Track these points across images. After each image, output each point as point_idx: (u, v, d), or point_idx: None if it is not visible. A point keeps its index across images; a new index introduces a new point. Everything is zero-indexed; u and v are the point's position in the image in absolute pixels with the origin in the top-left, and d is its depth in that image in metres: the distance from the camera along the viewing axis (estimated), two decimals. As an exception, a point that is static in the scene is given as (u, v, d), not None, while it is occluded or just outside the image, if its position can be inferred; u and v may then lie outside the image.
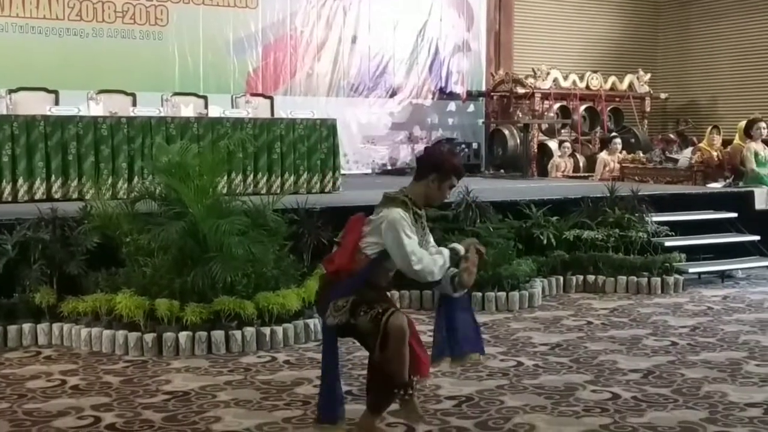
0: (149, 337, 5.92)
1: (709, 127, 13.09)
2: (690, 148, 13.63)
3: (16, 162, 8.50)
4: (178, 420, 4.52)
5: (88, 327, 6.11)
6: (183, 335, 5.91)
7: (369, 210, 7.22)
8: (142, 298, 6.02)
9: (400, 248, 3.98)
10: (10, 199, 8.40)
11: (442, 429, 4.39)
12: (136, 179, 8.78)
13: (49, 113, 8.87)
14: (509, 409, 4.71)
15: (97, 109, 9.36)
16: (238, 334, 6.00)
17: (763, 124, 11.44)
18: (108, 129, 8.86)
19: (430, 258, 4.06)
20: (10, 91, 9.61)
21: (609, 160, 14.06)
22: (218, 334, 5.96)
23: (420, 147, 15.60)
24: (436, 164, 4.15)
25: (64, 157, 8.68)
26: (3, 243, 6.38)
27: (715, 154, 12.51)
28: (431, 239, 4.28)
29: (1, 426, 4.44)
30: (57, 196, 8.52)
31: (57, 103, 9.70)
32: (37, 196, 8.44)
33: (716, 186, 11.41)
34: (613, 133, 15.32)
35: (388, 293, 4.39)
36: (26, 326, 6.23)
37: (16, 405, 4.80)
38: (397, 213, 4.01)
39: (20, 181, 8.49)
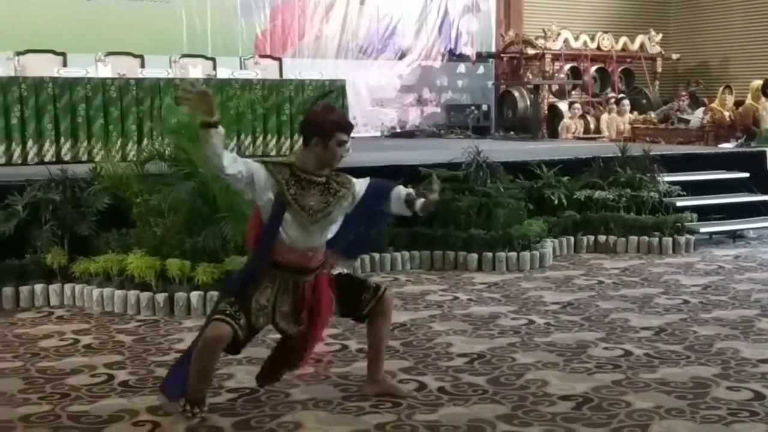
0: (161, 297, 5.94)
1: (721, 87, 13.00)
2: (701, 109, 13.54)
3: (25, 124, 8.49)
4: (190, 377, 4.53)
5: (100, 287, 6.13)
6: (194, 295, 5.92)
7: (376, 172, 7.22)
8: (153, 259, 6.03)
9: None
10: (20, 162, 8.41)
11: (454, 385, 4.39)
12: (145, 141, 8.77)
13: (57, 75, 8.85)
14: (521, 366, 4.71)
15: (105, 71, 9.33)
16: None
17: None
18: (117, 91, 8.83)
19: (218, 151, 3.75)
20: (18, 54, 9.57)
21: (619, 121, 13.97)
22: (229, 294, 5.96)
23: (429, 109, 15.58)
24: (315, 126, 3.88)
25: (73, 119, 8.66)
26: (14, 204, 6.37)
27: (727, 114, 12.44)
28: (335, 210, 3.95)
29: (16, 384, 4.47)
30: (66, 158, 8.52)
31: (65, 65, 9.67)
32: (47, 158, 8.44)
33: (728, 146, 11.33)
34: (621, 95, 15.22)
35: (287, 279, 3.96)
36: (38, 287, 6.25)
37: (29, 363, 4.83)
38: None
39: (30, 143, 8.49)
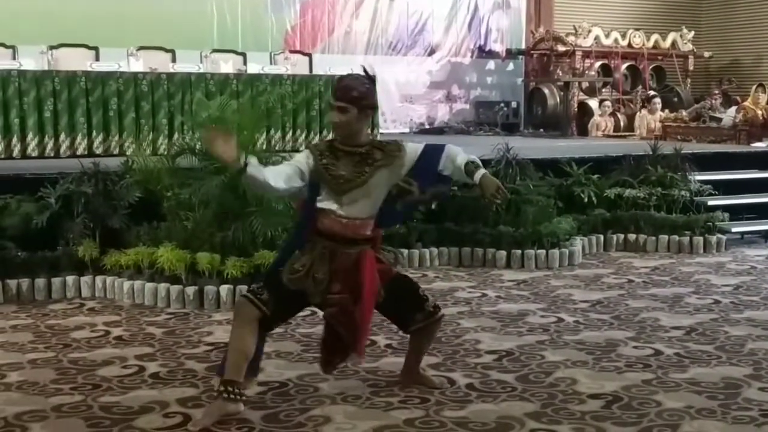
0: (191, 290, 5.98)
1: (754, 86, 12.86)
2: (734, 107, 13.40)
3: (58, 117, 8.60)
4: (220, 370, 4.56)
5: (131, 280, 6.18)
6: (224, 288, 5.96)
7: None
8: (184, 252, 6.07)
9: None
10: (52, 155, 8.52)
11: (483, 382, 4.38)
12: (176, 135, 8.84)
13: (90, 69, 8.94)
14: (550, 364, 4.69)
15: (137, 65, 9.42)
16: (278, 288, 6.03)
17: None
18: (148, 85, 8.92)
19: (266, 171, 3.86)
20: (51, 48, 9.67)
21: (650, 119, 13.87)
22: (259, 288, 5.99)
23: (458, 106, 15.53)
24: None
25: (105, 113, 8.76)
26: (47, 196, 6.44)
27: (759, 113, 12.30)
28: (372, 179, 3.91)
29: (48, 374, 4.52)
30: (98, 151, 8.62)
31: (97, 59, 9.78)
32: (79, 152, 8.54)
33: (761, 145, 11.21)
34: (652, 92, 15.10)
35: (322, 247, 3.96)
36: (70, 278, 6.31)
37: (61, 354, 4.88)
38: None
39: (62, 136, 8.60)
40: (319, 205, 3.94)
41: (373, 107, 4.02)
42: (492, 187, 3.88)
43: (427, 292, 4.25)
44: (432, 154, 4.02)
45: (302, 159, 3.95)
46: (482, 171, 3.94)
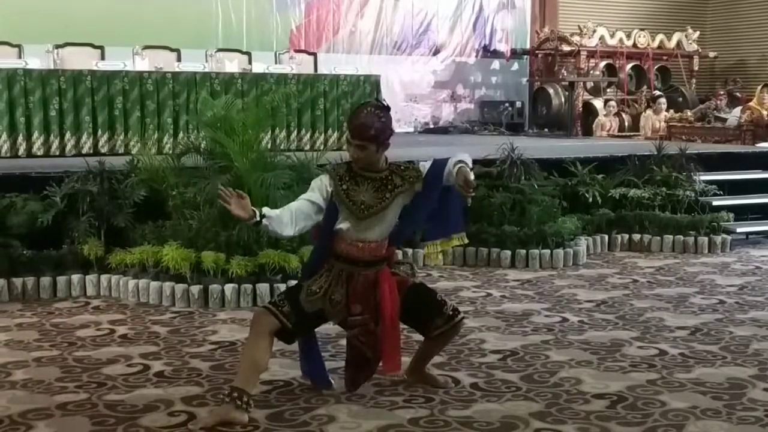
0: (195, 289, 5.98)
1: (760, 86, 12.85)
2: (739, 108, 13.38)
3: (64, 116, 8.62)
4: (225, 369, 4.57)
5: (136, 278, 6.18)
6: (228, 287, 5.96)
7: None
8: (189, 251, 6.07)
9: None
10: (57, 153, 8.53)
11: (488, 382, 4.38)
12: (181, 134, 8.85)
13: (95, 68, 8.95)
14: (554, 364, 4.69)
15: (142, 64, 9.42)
16: (282, 287, 6.00)
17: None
18: (153, 84, 8.92)
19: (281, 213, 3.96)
20: (57, 47, 9.69)
21: (655, 119, 13.86)
22: (263, 287, 6.00)
23: (463, 106, 15.54)
24: None
25: (111, 112, 8.77)
26: (52, 195, 6.45)
27: (765, 113, 12.28)
28: (391, 205, 4.00)
29: (53, 372, 4.53)
30: (104, 150, 8.63)
31: (103, 58, 9.79)
32: (84, 150, 8.55)
33: (765, 145, 11.19)
34: (657, 92, 15.09)
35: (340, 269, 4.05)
36: (75, 277, 6.32)
37: (66, 352, 4.89)
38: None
39: (68, 135, 8.62)
40: (339, 229, 4.00)
41: (390, 137, 4.03)
42: (460, 177, 3.90)
43: (444, 297, 4.27)
44: (438, 167, 4.06)
45: (321, 187, 4.01)
46: (461, 164, 3.95)
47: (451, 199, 4.11)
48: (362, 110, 4.00)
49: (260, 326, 3.91)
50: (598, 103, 15.02)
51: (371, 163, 4.02)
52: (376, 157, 4.00)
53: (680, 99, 15.53)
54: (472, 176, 3.93)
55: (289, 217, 3.95)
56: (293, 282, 6.00)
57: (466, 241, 4.37)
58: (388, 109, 4.04)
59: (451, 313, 4.13)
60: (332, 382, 4.26)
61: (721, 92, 14.65)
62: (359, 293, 4.01)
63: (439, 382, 4.31)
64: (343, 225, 3.99)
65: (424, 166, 4.10)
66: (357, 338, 4.05)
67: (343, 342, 4.79)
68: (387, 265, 4.10)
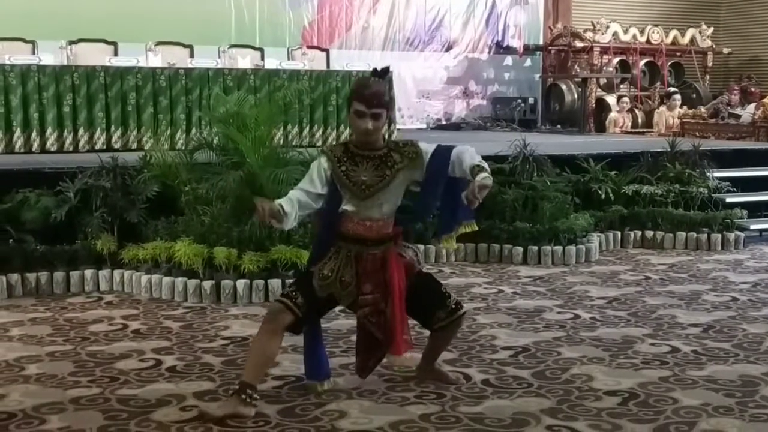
0: (208, 285, 6.00)
1: (774, 82, 12.76)
2: (753, 104, 13.31)
3: (77, 112, 8.66)
4: (236, 364, 4.58)
5: (148, 274, 6.21)
6: (241, 283, 5.98)
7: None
8: (201, 246, 6.09)
9: None
10: (71, 149, 8.58)
11: (499, 378, 4.38)
12: (194, 130, 8.88)
13: (108, 64, 8.98)
14: (566, 360, 4.68)
15: (155, 60, 9.45)
16: (294, 283, 6.04)
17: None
18: (166, 80, 8.95)
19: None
20: (71, 43, 9.72)
21: (669, 115, 13.80)
22: (275, 283, 6.01)
23: (475, 102, 15.51)
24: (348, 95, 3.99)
25: (124, 108, 8.81)
26: (65, 191, 6.48)
27: (779, 109, 12.21)
28: (393, 182, 3.94)
29: (66, 366, 4.55)
30: (117, 146, 8.67)
31: (116, 54, 9.82)
32: (98, 146, 8.60)
33: (780, 142, 11.14)
34: (672, 89, 15.02)
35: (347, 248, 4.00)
36: (88, 272, 6.35)
37: (79, 347, 4.91)
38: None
39: (81, 131, 8.66)
40: (344, 210, 3.97)
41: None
42: (479, 188, 3.78)
43: (449, 289, 4.25)
44: (442, 155, 4.00)
45: (320, 171, 3.95)
46: (485, 174, 3.86)
47: (458, 190, 4.01)
48: (368, 79, 3.95)
49: (276, 323, 3.89)
50: (611, 99, 14.96)
51: (377, 138, 3.96)
52: (383, 127, 3.98)
53: (694, 95, 15.45)
54: (490, 181, 3.84)
55: (295, 214, 3.92)
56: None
57: (476, 228, 4.29)
58: (387, 72, 3.99)
59: (453, 306, 4.09)
60: (330, 375, 4.23)
61: (735, 87, 14.57)
62: (369, 272, 3.95)
63: (450, 378, 4.31)
64: (347, 206, 3.95)
65: (426, 149, 4.00)
66: (368, 319, 3.98)
67: (354, 338, 4.81)
68: (394, 244, 4.04)
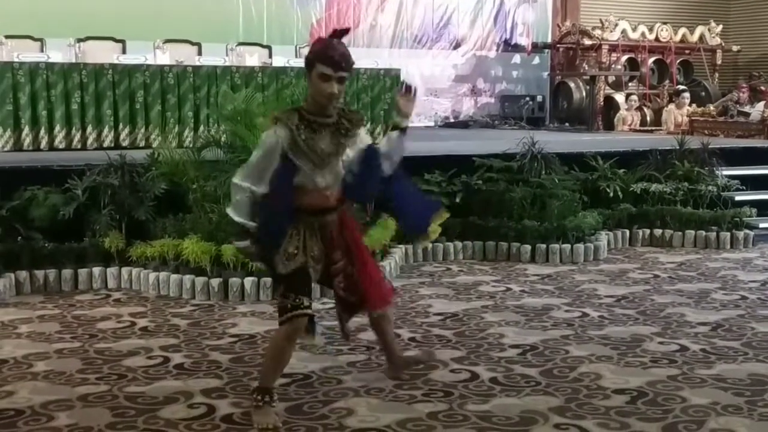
0: (215, 282, 6.00)
1: (784, 80, 12.71)
2: (762, 102, 13.26)
3: (85, 110, 8.68)
4: (244, 361, 4.59)
5: (156, 271, 6.21)
6: (248, 281, 5.98)
7: (430, 161, 7.21)
8: (209, 244, 6.09)
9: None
10: (79, 147, 8.60)
11: (507, 376, 4.37)
12: (201, 127, 8.88)
13: (116, 62, 9.00)
14: (574, 359, 4.67)
15: (163, 58, 9.46)
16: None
17: None
18: (174, 78, 8.96)
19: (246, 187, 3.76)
20: (79, 40, 9.75)
21: (677, 113, 13.76)
22: (283, 281, 6.00)
23: (483, 100, 15.50)
24: (306, 58, 3.71)
25: (132, 106, 8.82)
26: (74, 188, 6.49)
27: (789, 107, 12.16)
28: (348, 150, 3.84)
29: (74, 364, 4.55)
30: (125, 143, 8.67)
31: (124, 52, 9.83)
32: (106, 144, 8.61)
33: (790, 140, 11.10)
34: (681, 87, 14.98)
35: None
36: (96, 269, 6.36)
37: (87, 344, 4.92)
38: (264, 134, 3.83)
39: (89, 128, 8.68)
40: (299, 183, 3.76)
41: None
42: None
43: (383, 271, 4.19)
44: (370, 153, 3.93)
45: (274, 152, 3.71)
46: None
47: (409, 194, 4.11)
48: (333, 41, 3.73)
49: (297, 334, 3.80)
50: (619, 97, 14.93)
51: (336, 103, 3.78)
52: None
53: (703, 93, 15.40)
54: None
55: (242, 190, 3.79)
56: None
57: (447, 215, 4.23)
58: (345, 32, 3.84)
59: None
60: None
61: (744, 85, 14.51)
62: (333, 239, 3.86)
63: (421, 357, 4.32)
64: (306, 178, 3.74)
65: (362, 131, 3.93)
66: (341, 286, 3.93)
67: (361, 336, 4.82)
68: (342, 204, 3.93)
